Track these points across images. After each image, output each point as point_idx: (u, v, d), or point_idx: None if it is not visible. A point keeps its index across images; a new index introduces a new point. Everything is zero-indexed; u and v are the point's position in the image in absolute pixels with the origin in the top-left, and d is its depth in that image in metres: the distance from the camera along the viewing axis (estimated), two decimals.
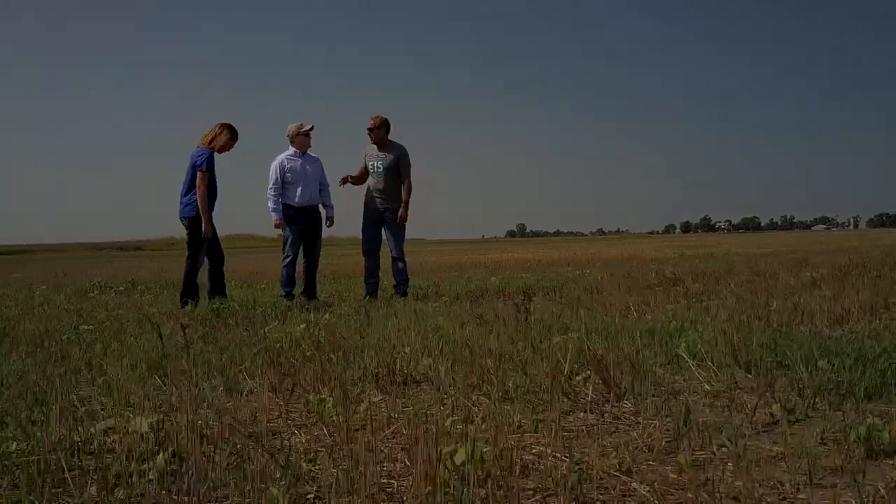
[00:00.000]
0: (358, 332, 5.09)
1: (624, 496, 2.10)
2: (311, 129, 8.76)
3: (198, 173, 7.85)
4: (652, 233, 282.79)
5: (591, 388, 3.20)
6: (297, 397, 3.35)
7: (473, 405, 3.08)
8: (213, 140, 8.08)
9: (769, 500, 2.02)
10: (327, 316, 6.31)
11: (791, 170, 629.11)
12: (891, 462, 2.31)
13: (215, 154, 8.10)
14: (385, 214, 8.79)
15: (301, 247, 8.73)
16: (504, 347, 4.09)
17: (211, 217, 8.00)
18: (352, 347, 4.43)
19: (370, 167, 8.82)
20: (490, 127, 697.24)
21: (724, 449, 2.42)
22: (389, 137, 8.83)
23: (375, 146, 8.83)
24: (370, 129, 8.77)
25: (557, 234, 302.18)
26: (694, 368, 3.56)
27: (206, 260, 8.18)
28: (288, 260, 8.65)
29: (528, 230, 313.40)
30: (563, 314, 5.83)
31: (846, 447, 2.38)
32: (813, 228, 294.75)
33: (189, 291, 8.06)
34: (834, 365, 3.42)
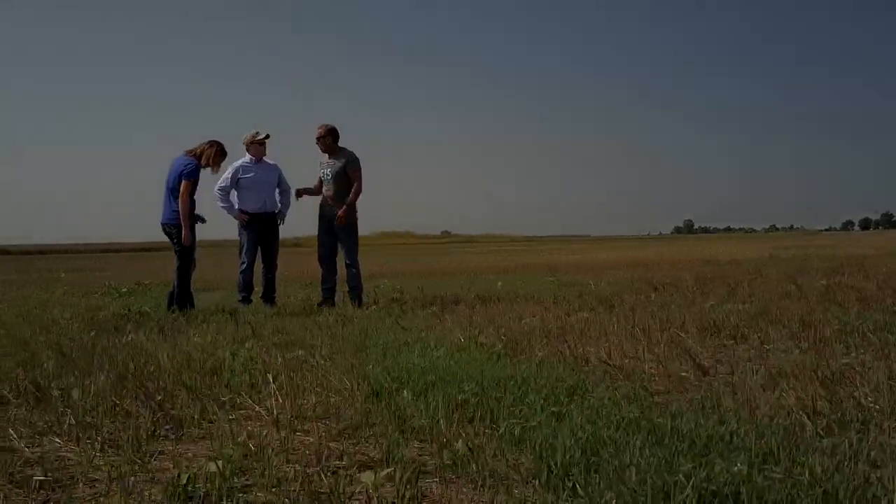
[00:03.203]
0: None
1: None
2: (267, 137, 8.93)
3: (183, 181, 8.01)
4: (828, 229, 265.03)
5: None
6: None
7: None
8: (200, 153, 8.23)
9: None
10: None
11: None
12: None
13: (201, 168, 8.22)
14: (335, 222, 8.79)
15: (258, 252, 8.90)
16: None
17: (193, 225, 8.22)
18: None
19: (322, 175, 8.88)
20: (658, 116, 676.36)
21: None
22: (340, 144, 8.84)
23: (326, 155, 8.87)
24: (317, 139, 8.82)
25: (728, 230, 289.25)
26: None
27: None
28: (244, 266, 8.82)
29: (695, 226, 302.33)
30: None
31: None
32: None
33: (184, 298, 8.20)
34: None
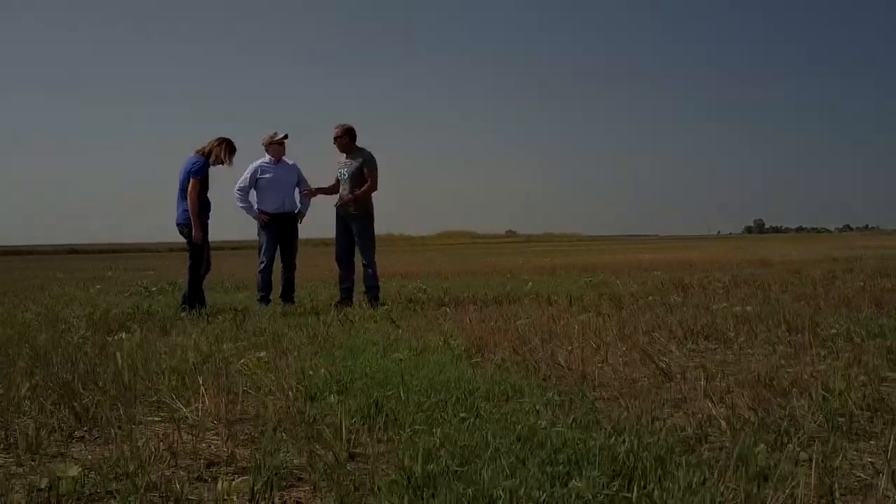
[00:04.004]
0: None
1: None
2: (285, 137, 9.02)
3: (191, 180, 8.11)
4: None
5: None
6: None
7: None
8: (209, 150, 8.29)
9: None
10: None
11: None
12: None
13: (210, 166, 8.29)
14: (351, 222, 8.84)
15: (277, 252, 9.00)
16: None
17: (203, 223, 8.34)
18: None
19: (339, 175, 8.92)
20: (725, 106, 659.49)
21: None
22: (358, 144, 8.89)
23: (344, 155, 8.92)
24: (334, 139, 8.87)
25: (800, 230, 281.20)
26: None
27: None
28: (263, 265, 8.94)
29: (766, 226, 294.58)
30: None
31: None
32: None
33: (197, 298, 8.29)
34: None
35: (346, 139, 8.85)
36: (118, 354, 4.27)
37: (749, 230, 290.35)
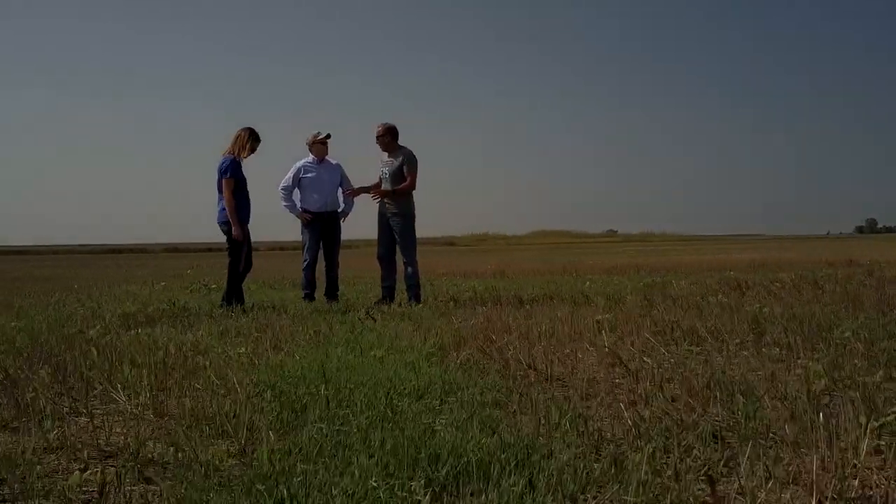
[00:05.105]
0: None
1: None
2: (328, 136, 9.15)
3: (223, 180, 8.40)
4: None
5: None
6: None
7: None
8: (236, 146, 8.45)
9: None
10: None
11: None
12: None
13: (241, 160, 8.44)
14: (392, 220, 8.88)
15: (321, 250, 9.14)
16: None
17: (242, 220, 8.53)
18: None
19: (381, 174, 8.97)
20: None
21: None
22: (399, 143, 8.92)
23: (386, 153, 8.96)
24: (377, 137, 8.92)
25: None
26: None
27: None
28: (306, 263, 9.10)
29: (879, 225, 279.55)
30: None
31: None
32: None
33: (235, 295, 8.46)
34: None
35: (387, 138, 8.89)
36: (94, 349, 4.41)
37: (860, 230, 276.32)
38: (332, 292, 9.14)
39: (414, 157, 8.88)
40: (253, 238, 8.57)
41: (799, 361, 4.08)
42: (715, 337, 4.94)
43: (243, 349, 4.57)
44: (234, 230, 8.24)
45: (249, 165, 8.51)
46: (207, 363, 4.30)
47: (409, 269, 8.92)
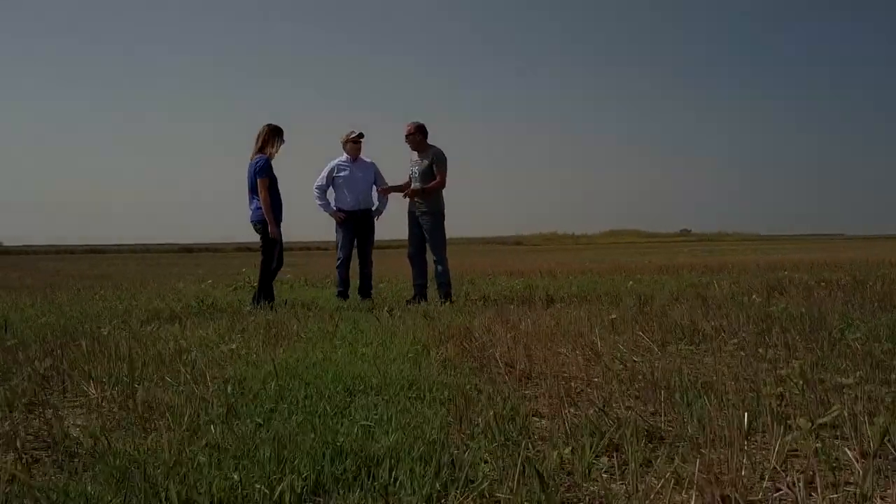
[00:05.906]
0: None
1: None
2: (360, 135, 9.23)
3: (258, 181, 8.56)
4: None
5: None
6: None
7: None
8: (264, 145, 8.50)
9: None
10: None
11: None
12: None
13: (271, 159, 8.50)
14: (421, 219, 8.91)
15: (354, 248, 9.23)
16: None
17: (276, 219, 8.73)
18: None
19: (410, 173, 9.00)
20: None
21: None
22: (428, 141, 8.94)
23: (416, 153, 8.99)
24: (406, 136, 8.95)
25: None
26: None
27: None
28: (340, 261, 9.21)
29: None
30: None
31: None
32: None
33: (265, 293, 8.58)
34: None
35: (417, 137, 8.90)
36: (83, 343, 4.56)
37: None
38: (365, 290, 9.21)
39: (443, 155, 8.88)
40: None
41: (794, 363, 3.94)
42: (718, 337, 4.82)
43: (235, 345, 4.65)
44: (271, 229, 8.37)
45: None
46: (192, 358, 4.38)
47: (440, 267, 8.91)
